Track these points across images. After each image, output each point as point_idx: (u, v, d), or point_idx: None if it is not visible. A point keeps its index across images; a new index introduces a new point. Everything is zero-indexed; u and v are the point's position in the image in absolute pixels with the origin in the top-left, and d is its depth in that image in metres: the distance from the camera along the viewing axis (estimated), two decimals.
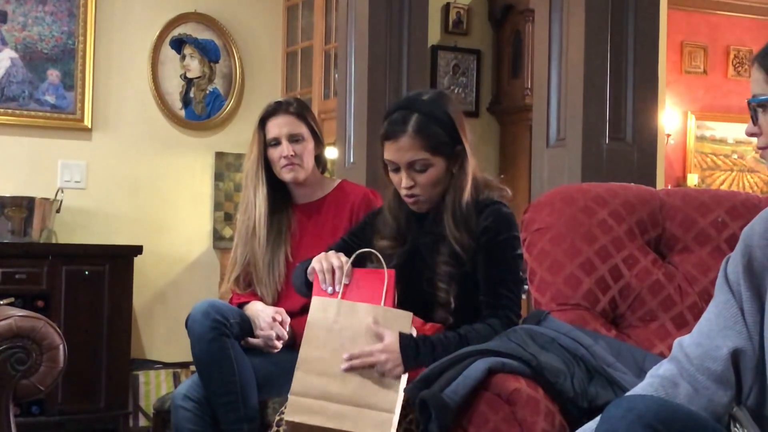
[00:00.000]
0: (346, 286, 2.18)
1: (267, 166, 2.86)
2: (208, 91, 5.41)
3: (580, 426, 1.68)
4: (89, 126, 5.08)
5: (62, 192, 4.80)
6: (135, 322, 5.01)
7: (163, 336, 5.14)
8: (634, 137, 2.98)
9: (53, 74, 5.03)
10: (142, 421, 4.88)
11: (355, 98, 3.94)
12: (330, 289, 2.18)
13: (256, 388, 2.62)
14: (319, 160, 2.95)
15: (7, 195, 4.65)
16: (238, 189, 5.23)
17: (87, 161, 5.08)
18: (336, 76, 4.74)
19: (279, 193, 2.90)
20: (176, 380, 5.05)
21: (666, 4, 4.35)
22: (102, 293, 4.58)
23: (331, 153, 4.09)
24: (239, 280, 2.87)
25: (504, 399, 1.88)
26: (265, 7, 5.57)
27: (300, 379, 2.13)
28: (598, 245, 2.30)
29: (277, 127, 2.84)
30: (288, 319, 2.74)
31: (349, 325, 2.13)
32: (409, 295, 2.26)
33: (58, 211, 4.77)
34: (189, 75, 5.37)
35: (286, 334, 2.73)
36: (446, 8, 4.65)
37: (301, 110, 2.88)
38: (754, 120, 1.60)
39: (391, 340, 2.10)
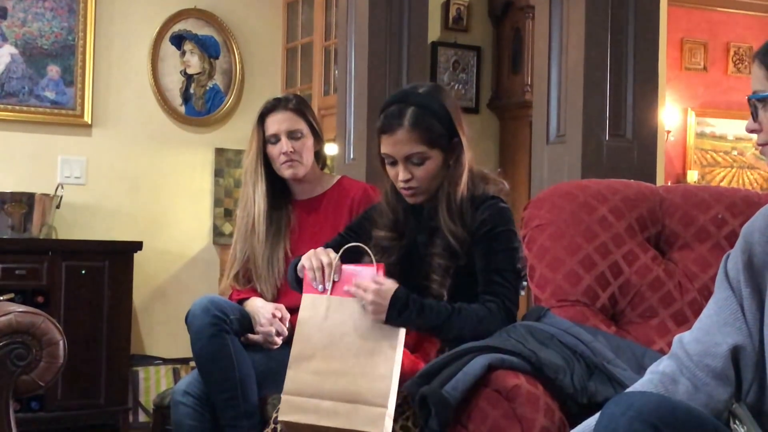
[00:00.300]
0: (335, 282, 2.17)
1: (266, 162, 2.86)
2: (208, 87, 5.41)
3: (580, 422, 1.68)
4: (89, 122, 5.08)
5: (62, 188, 4.79)
6: (135, 318, 5.01)
7: (163, 332, 5.14)
8: (634, 134, 2.97)
9: (53, 70, 5.02)
10: (142, 417, 4.88)
11: (355, 94, 3.94)
12: (320, 286, 2.17)
13: (256, 384, 2.62)
14: (319, 157, 2.95)
15: (7, 191, 4.65)
16: (238, 185, 5.23)
17: (87, 157, 5.08)
18: (336, 72, 4.74)
19: (278, 189, 2.89)
20: (176, 376, 5.05)
21: (666, 0, 4.35)
22: (102, 289, 4.58)
23: (331, 149, 4.09)
24: (239, 277, 2.87)
25: (504, 395, 1.88)
26: (265, 3, 5.56)
27: (292, 378, 2.12)
28: (598, 242, 2.30)
29: (277, 123, 2.84)
30: (288, 316, 2.74)
31: (340, 321, 2.12)
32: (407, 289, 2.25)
33: (58, 206, 4.77)
34: (189, 71, 5.37)
35: (285, 330, 2.73)
36: (446, 4, 4.64)
37: (300, 106, 2.88)
38: (755, 116, 1.60)
39: (387, 287, 2.09)
